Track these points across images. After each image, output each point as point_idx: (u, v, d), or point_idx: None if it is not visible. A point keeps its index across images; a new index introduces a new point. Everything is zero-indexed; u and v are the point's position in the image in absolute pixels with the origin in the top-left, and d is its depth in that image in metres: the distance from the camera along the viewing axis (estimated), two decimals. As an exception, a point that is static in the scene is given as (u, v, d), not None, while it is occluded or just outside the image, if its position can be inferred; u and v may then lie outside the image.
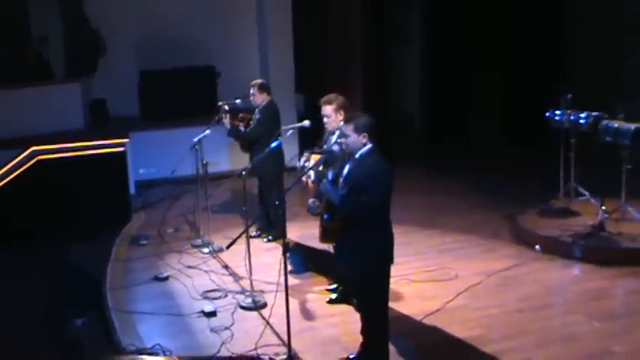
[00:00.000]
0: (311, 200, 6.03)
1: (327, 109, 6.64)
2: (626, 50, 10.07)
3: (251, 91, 8.24)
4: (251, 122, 8.21)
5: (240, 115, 8.40)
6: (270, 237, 8.38)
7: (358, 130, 5.37)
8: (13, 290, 7.67)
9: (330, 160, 6.09)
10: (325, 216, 5.65)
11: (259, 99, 8.21)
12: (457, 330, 6.26)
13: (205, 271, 7.71)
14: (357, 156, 5.41)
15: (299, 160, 6.84)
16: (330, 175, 5.72)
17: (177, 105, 11.31)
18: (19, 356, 6.30)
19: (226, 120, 8.24)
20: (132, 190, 10.26)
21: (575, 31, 11.04)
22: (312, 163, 6.24)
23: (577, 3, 11.03)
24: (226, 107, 8.27)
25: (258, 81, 8.40)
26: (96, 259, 8.23)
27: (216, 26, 11.94)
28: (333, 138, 6.54)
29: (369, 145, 5.39)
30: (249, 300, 6.87)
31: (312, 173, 6.03)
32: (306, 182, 6.19)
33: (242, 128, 8.29)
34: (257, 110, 8.25)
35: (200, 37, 11.75)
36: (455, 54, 11.78)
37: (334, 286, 6.97)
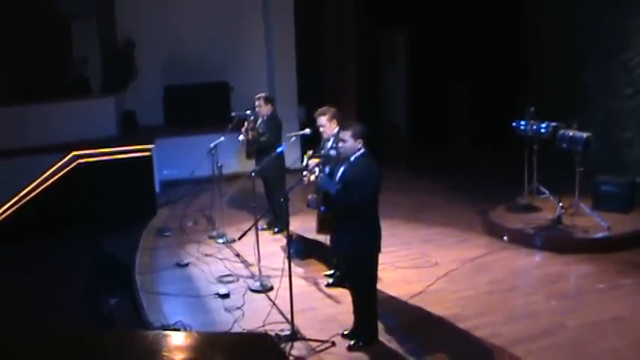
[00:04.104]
0: (310, 196, 6.05)
1: (322, 120, 6.66)
2: (579, 69, 10.08)
3: (256, 103, 8.18)
4: (259, 131, 8.18)
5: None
6: (276, 229, 8.37)
7: (355, 137, 5.37)
8: (57, 274, 7.68)
9: (327, 162, 6.12)
10: (322, 209, 5.66)
11: (265, 110, 8.17)
12: (437, 309, 6.26)
13: (220, 259, 7.69)
14: (352, 159, 5.42)
15: (302, 162, 6.84)
16: (327, 169, 5.74)
17: (196, 115, 11.28)
18: (62, 329, 6.28)
19: (248, 133, 8.18)
20: (157, 188, 10.26)
21: (538, 52, 11.03)
22: (312, 164, 6.24)
23: (538, 27, 11.03)
24: (252, 117, 8.20)
25: (263, 94, 8.35)
26: (126, 247, 8.23)
27: (229, 48, 11.91)
28: (329, 144, 6.55)
29: (362, 150, 5.39)
30: (258, 284, 6.86)
31: (317, 170, 6.05)
32: (309, 180, 6.18)
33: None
34: (262, 120, 8.20)
35: (216, 57, 11.72)
36: (434, 73, 11.79)
37: (331, 272, 6.96)
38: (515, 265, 7.37)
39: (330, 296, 6.61)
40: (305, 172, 6.14)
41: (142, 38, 11.31)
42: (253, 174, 7.29)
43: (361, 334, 5.62)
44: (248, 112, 8.30)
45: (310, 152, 6.57)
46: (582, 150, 7.85)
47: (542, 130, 8.21)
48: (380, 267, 5.67)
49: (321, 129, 6.69)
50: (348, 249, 5.54)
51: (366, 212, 5.39)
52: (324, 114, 6.67)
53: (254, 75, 11.88)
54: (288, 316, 5.81)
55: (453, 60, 11.67)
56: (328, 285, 6.82)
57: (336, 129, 6.48)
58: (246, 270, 7.35)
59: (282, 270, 6.02)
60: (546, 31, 10.83)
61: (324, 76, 12.12)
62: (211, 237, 8.41)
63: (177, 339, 4.08)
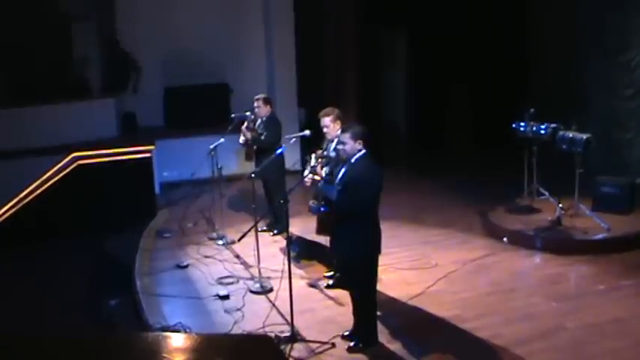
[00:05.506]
0: (311, 202, 6.05)
1: (326, 120, 6.67)
2: (579, 69, 10.09)
3: (255, 104, 8.20)
4: (258, 131, 8.19)
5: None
6: (275, 231, 8.38)
7: (354, 138, 5.39)
8: (57, 275, 7.69)
9: (328, 163, 6.13)
10: (323, 209, 5.66)
11: (264, 111, 8.19)
12: (436, 311, 6.28)
13: (220, 260, 7.70)
14: (352, 160, 5.43)
15: (309, 162, 6.81)
16: (327, 169, 5.75)
17: (196, 117, 11.28)
18: (63, 330, 6.31)
19: (248, 133, 8.20)
20: (157, 190, 10.26)
21: (538, 53, 11.05)
22: (316, 164, 6.25)
23: (539, 27, 11.06)
24: (253, 117, 8.21)
25: (262, 95, 8.37)
26: (126, 249, 8.24)
27: (229, 49, 11.90)
28: (332, 145, 6.56)
29: (362, 151, 5.41)
30: (258, 285, 6.88)
31: (323, 171, 6.07)
32: (313, 180, 6.16)
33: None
34: (261, 121, 8.21)
35: (216, 59, 11.73)
36: (434, 73, 11.80)
37: (331, 273, 6.96)
38: (515, 267, 7.38)
39: (329, 298, 6.63)
40: (309, 173, 6.14)
41: (142, 39, 11.32)
42: (253, 175, 7.30)
43: (361, 335, 5.64)
44: (248, 113, 8.33)
45: (319, 152, 6.55)
46: (582, 151, 7.86)
47: (542, 132, 8.21)
48: (380, 268, 5.68)
49: (325, 130, 6.69)
50: (348, 250, 5.55)
51: (366, 213, 5.40)
52: (328, 115, 6.67)
53: (254, 76, 11.89)
54: (288, 318, 5.83)
55: (453, 60, 11.69)
56: (328, 286, 6.83)
57: (340, 130, 6.49)
58: (246, 271, 7.36)
59: (282, 271, 6.04)
60: (546, 32, 10.85)
61: (324, 76, 12.13)
62: (211, 238, 8.42)
63: (177, 340, 4.11)
